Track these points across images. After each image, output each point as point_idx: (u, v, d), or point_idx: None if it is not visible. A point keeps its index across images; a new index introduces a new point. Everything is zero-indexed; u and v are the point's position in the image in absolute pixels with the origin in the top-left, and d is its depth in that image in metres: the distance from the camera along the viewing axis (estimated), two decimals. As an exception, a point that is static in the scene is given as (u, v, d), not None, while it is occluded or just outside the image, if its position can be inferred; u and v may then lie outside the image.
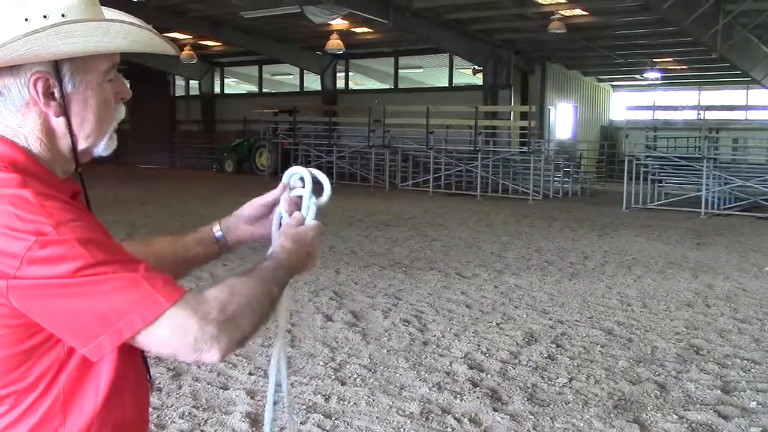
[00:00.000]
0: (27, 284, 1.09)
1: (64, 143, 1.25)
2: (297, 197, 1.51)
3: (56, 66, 1.20)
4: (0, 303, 1.11)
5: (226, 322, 1.16)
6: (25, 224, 1.09)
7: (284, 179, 1.53)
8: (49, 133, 1.24)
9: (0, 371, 1.17)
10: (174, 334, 1.13)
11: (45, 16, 1.17)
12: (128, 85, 1.35)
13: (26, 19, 1.17)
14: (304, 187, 1.50)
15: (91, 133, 1.27)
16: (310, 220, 1.49)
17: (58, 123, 1.24)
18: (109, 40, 1.21)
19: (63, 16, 1.18)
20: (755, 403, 4.64)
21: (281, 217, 1.51)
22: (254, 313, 1.23)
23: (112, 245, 1.16)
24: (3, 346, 1.15)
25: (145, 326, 1.11)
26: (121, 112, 1.33)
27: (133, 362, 1.30)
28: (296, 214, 1.48)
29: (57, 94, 1.21)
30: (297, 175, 1.52)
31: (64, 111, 1.23)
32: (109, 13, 1.30)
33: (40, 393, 1.18)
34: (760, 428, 4.23)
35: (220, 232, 1.59)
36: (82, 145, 1.27)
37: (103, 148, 1.31)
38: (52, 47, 1.16)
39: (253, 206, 1.57)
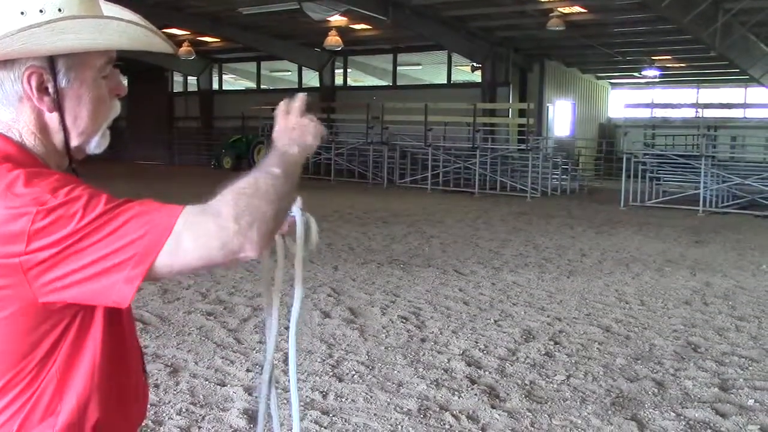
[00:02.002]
0: (42, 256, 1.08)
1: (58, 139, 1.25)
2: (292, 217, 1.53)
3: (51, 61, 1.19)
4: (11, 284, 1.10)
5: (242, 215, 1.13)
6: (23, 199, 1.09)
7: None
8: (42, 128, 1.23)
9: (6, 362, 1.17)
10: (197, 240, 1.11)
11: (41, 11, 1.16)
12: (125, 82, 1.34)
13: (22, 13, 1.16)
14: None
15: (85, 129, 1.26)
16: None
17: (52, 118, 1.23)
18: (105, 37, 1.20)
19: (60, 11, 1.17)
20: (753, 400, 4.64)
21: None
22: (268, 199, 1.18)
23: (107, 195, 1.15)
24: (9, 339, 1.15)
25: (164, 242, 1.10)
26: (116, 109, 1.32)
27: (125, 350, 1.30)
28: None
29: (51, 90, 1.20)
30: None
31: (58, 106, 1.22)
32: (107, 8, 1.29)
33: (40, 380, 1.18)
34: (758, 426, 4.23)
35: None
36: (75, 141, 1.26)
37: (96, 145, 1.30)
38: (48, 43, 1.15)
39: None
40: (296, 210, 1.53)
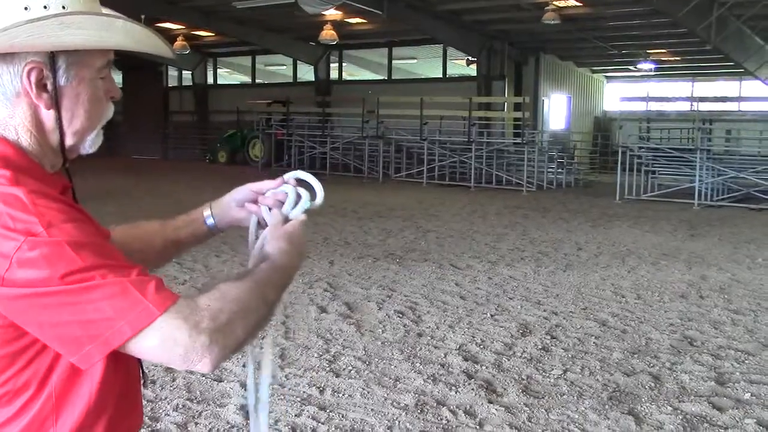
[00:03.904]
0: (15, 293, 1.06)
1: (53, 138, 1.23)
2: (284, 194, 1.49)
3: (52, 57, 1.17)
4: None
5: (218, 331, 1.12)
6: (16, 223, 1.07)
7: (284, 177, 1.53)
8: (38, 126, 1.21)
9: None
10: (164, 343, 1.10)
11: (45, 7, 1.15)
12: (120, 81, 1.33)
13: (26, 8, 1.15)
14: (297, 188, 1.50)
15: (80, 129, 1.24)
16: (297, 214, 1.46)
17: (48, 116, 1.21)
18: (110, 35, 1.19)
19: (63, 7, 1.16)
20: (749, 394, 4.65)
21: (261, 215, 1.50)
22: (248, 319, 1.19)
23: (104, 248, 1.13)
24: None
25: (134, 335, 1.08)
26: (110, 111, 1.30)
27: (125, 359, 1.27)
28: (275, 211, 1.46)
29: (49, 87, 1.18)
30: (293, 176, 1.52)
31: (55, 104, 1.20)
32: (105, 11, 1.28)
33: (32, 393, 1.16)
34: (755, 419, 4.23)
35: (211, 217, 1.58)
36: (69, 140, 1.24)
37: (89, 145, 1.28)
38: (52, 37, 1.14)
39: (245, 191, 1.56)
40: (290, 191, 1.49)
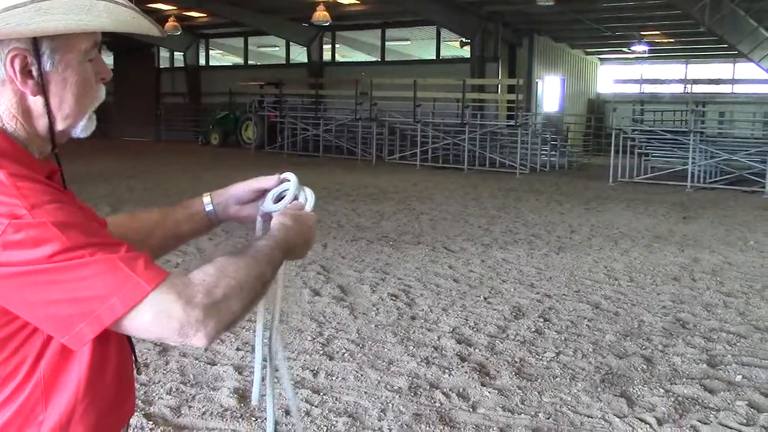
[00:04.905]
0: (2, 272, 1.05)
1: (41, 123, 1.21)
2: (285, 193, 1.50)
3: (35, 43, 1.15)
4: None
5: (212, 305, 1.11)
6: None
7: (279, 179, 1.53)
8: (25, 112, 1.19)
9: None
10: (157, 318, 1.09)
11: None
12: (111, 62, 1.30)
13: None
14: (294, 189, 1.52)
15: (70, 113, 1.22)
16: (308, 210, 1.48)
17: (36, 102, 1.19)
18: (91, 18, 1.16)
19: None
20: (741, 376, 4.67)
21: (265, 210, 1.50)
22: (244, 295, 1.17)
23: (90, 227, 1.11)
24: None
25: (126, 311, 1.07)
26: (102, 93, 1.28)
27: (115, 343, 1.26)
28: (296, 202, 1.47)
29: (35, 73, 1.16)
30: (288, 183, 1.52)
31: (42, 90, 1.18)
32: None
33: (20, 380, 1.15)
34: (746, 402, 4.26)
35: (212, 207, 1.56)
36: (59, 126, 1.22)
37: (81, 129, 1.26)
38: (32, 24, 1.11)
39: (245, 189, 1.55)
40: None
